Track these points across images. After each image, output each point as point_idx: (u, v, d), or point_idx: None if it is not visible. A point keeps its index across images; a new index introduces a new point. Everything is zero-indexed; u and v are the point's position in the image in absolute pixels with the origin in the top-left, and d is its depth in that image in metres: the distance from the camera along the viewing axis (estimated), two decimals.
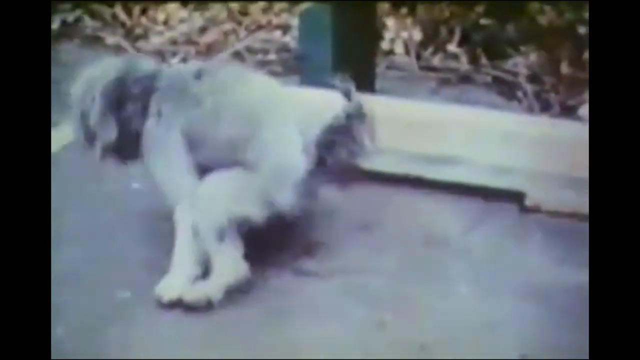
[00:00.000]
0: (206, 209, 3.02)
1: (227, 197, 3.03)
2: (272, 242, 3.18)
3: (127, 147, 3.13)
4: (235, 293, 3.02)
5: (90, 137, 3.15)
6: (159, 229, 3.21)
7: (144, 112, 3.10)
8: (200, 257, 3.04)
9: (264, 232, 3.09)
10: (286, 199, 3.07)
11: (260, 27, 4.97)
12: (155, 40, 5.07)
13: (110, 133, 3.11)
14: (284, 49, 4.78)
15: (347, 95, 3.11)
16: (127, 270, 3.16)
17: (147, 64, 3.20)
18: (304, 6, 3.92)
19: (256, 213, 3.04)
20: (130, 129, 3.11)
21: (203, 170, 3.08)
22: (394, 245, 3.25)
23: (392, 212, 3.41)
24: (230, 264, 3.03)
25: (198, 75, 3.12)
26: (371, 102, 3.16)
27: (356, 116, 3.10)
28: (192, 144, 3.07)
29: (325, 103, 3.22)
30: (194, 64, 3.45)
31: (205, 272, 3.05)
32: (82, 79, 3.16)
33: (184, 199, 3.06)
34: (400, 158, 3.48)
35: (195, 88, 3.09)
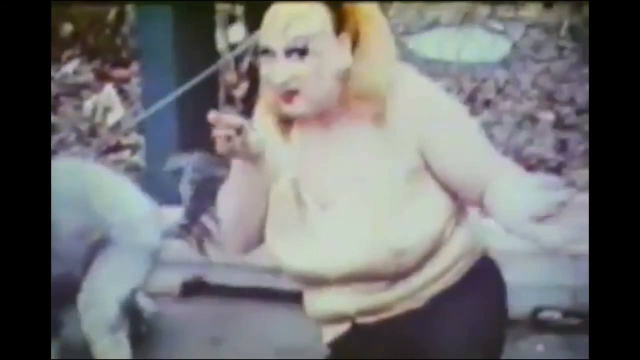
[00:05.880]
0: None
1: None
2: None
3: None
4: None
5: None
6: None
7: None
8: None
9: None
10: None
11: (109, 149, 4.96)
12: None
13: None
14: (134, 168, 4.78)
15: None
16: None
17: None
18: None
19: None
20: None
21: None
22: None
23: (240, 325, 3.38)
24: None
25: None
26: None
27: None
28: None
29: None
30: None
31: None
32: None
33: None
34: (247, 270, 3.48)
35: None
